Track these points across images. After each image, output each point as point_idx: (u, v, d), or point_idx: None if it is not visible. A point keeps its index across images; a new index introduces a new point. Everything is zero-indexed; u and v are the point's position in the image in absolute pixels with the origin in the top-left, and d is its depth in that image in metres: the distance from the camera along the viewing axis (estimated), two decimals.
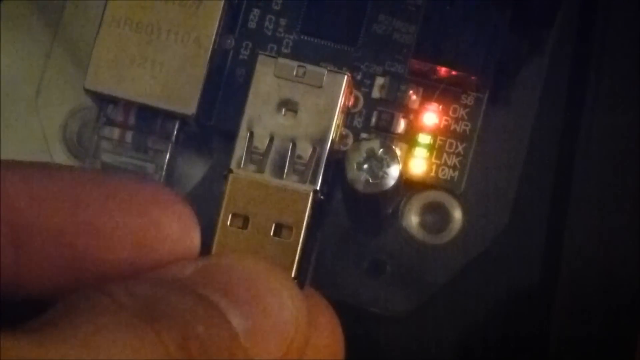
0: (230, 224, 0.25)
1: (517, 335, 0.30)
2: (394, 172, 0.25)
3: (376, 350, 0.30)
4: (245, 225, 0.25)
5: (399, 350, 0.30)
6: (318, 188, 0.25)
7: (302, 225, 0.25)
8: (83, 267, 0.20)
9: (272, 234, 0.25)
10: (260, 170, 0.25)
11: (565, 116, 0.29)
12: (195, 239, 0.21)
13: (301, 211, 0.25)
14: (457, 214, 0.29)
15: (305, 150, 0.25)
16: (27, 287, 0.20)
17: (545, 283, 0.30)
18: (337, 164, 0.26)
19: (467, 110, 0.28)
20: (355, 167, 0.25)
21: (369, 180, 0.25)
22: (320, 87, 0.26)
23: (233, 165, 0.25)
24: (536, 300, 0.30)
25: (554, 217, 0.29)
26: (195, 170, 0.29)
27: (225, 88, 0.28)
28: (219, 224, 0.25)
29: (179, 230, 0.21)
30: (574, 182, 0.29)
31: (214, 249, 0.24)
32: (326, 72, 0.26)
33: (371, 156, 0.25)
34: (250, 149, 0.25)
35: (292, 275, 0.24)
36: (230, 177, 0.25)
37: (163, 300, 0.19)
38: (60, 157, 0.29)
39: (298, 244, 0.24)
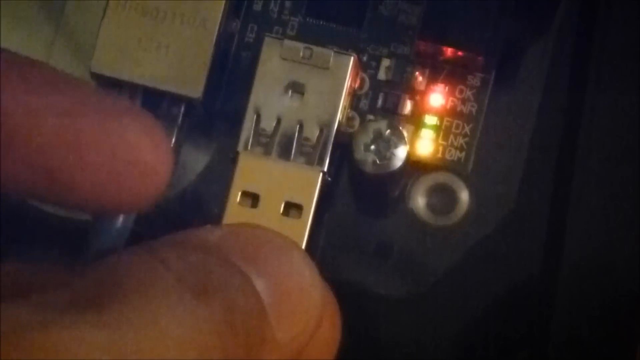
0: (239, 202, 0.25)
1: (520, 319, 0.30)
2: (401, 153, 0.26)
3: (382, 332, 0.30)
4: (254, 204, 0.25)
5: (405, 332, 0.30)
6: (325, 170, 0.25)
7: (312, 204, 0.25)
8: (55, 178, 0.20)
9: (281, 212, 0.25)
10: (268, 152, 0.25)
11: (570, 96, 0.29)
12: (168, 164, 0.21)
13: (310, 191, 0.25)
14: (464, 196, 0.29)
15: (312, 132, 0.25)
16: None
17: (550, 267, 0.30)
18: (343, 146, 0.26)
19: (473, 91, 0.28)
20: (362, 148, 0.25)
21: (376, 161, 0.25)
22: (327, 68, 0.26)
23: (240, 148, 0.26)
24: (541, 283, 0.30)
25: (558, 199, 0.29)
26: (201, 154, 0.29)
27: (231, 71, 0.28)
28: (229, 202, 0.25)
29: (153, 157, 0.20)
30: (578, 163, 0.29)
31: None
32: (333, 53, 0.26)
33: (378, 137, 0.25)
34: (257, 132, 0.25)
35: None
36: (241, 154, 0.25)
37: (208, 269, 0.19)
38: None
39: (307, 223, 0.25)
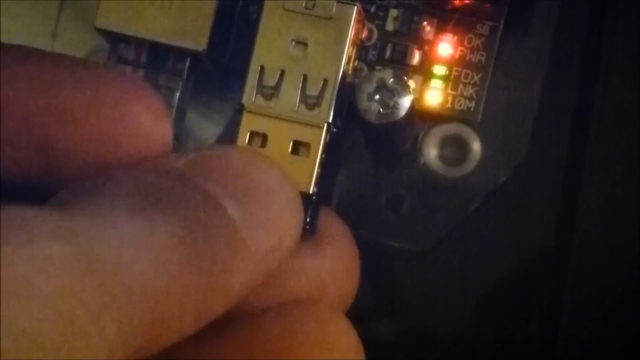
0: (248, 142, 0.25)
1: (534, 272, 0.30)
2: (405, 102, 0.25)
3: (394, 285, 0.30)
4: (263, 144, 0.25)
5: (417, 285, 0.30)
6: (330, 121, 0.25)
7: (319, 144, 0.25)
8: (52, 155, 0.20)
9: (289, 151, 0.25)
10: (272, 104, 0.25)
11: (584, 41, 0.29)
12: (167, 134, 0.21)
13: (316, 140, 0.25)
14: (476, 146, 0.29)
15: (316, 83, 0.25)
16: None
17: (565, 219, 0.29)
18: (351, 97, 0.26)
19: (482, 39, 0.28)
20: (365, 98, 0.25)
21: (380, 110, 0.25)
22: (330, 18, 0.26)
23: (245, 100, 0.25)
24: (556, 234, 0.30)
25: (572, 143, 0.29)
26: (210, 108, 0.29)
27: (238, 25, 0.28)
28: (238, 142, 0.25)
29: (151, 124, 0.20)
30: (594, 109, 0.29)
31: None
32: (335, 3, 0.26)
33: (382, 86, 0.25)
34: (262, 84, 0.25)
35: (310, 191, 0.25)
36: (247, 102, 0.25)
37: (165, 187, 0.19)
38: None
39: (316, 161, 0.25)
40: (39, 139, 0.20)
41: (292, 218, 0.21)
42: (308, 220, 0.25)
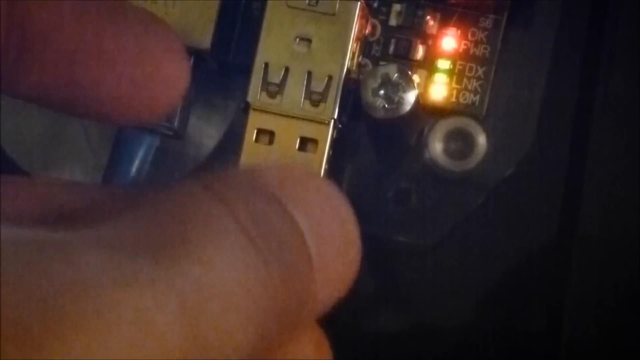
0: (255, 139, 0.25)
1: (537, 268, 0.30)
2: (410, 97, 0.25)
3: (400, 278, 0.30)
4: (270, 141, 0.25)
5: (423, 278, 0.30)
6: (335, 117, 0.25)
7: (326, 139, 0.25)
8: (80, 84, 0.20)
9: (297, 148, 0.25)
10: (277, 101, 0.25)
11: (587, 34, 0.29)
12: (185, 79, 0.21)
13: (323, 136, 0.25)
14: (481, 139, 0.29)
15: (321, 79, 0.25)
16: (24, 88, 0.20)
17: (570, 210, 0.29)
18: (356, 93, 0.26)
19: (485, 33, 0.28)
20: (370, 93, 0.25)
21: (385, 105, 0.25)
22: (334, 14, 0.26)
23: (250, 98, 0.26)
24: (560, 227, 0.30)
25: (577, 137, 0.29)
26: (214, 105, 0.29)
27: (242, 23, 0.28)
28: (245, 140, 0.25)
29: (175, 72, 0.21)
30: (597, 103, 0.29)
31: (240, 164, 0.25)
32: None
33: (387, 82, 0.25)
34: (267, 81, 0.25)
35: None
36: (252, 100, 0.25)
37: (271, 223, 0.17)
38: None
39: (323, 156, 0.25)
40: (71, 70, 0.20)
41: (356, 266, 0.20)
42: None
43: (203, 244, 0.16)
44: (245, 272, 0.16)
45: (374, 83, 0.25)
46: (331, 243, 0.19)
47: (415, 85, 0.25)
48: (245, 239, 0.17)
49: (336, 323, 0.22)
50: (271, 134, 0.25)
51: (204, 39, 0.26)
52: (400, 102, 0.25)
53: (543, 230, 0.29)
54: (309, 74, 0.25)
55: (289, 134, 0.25)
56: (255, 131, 0.25)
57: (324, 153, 0.25)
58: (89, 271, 0.15)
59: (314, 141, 0.25)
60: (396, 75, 0.25)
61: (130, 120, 0.22)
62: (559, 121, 0.29)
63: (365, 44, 0.28)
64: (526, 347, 0.30)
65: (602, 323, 0.28)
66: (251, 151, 0.25)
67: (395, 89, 0.25)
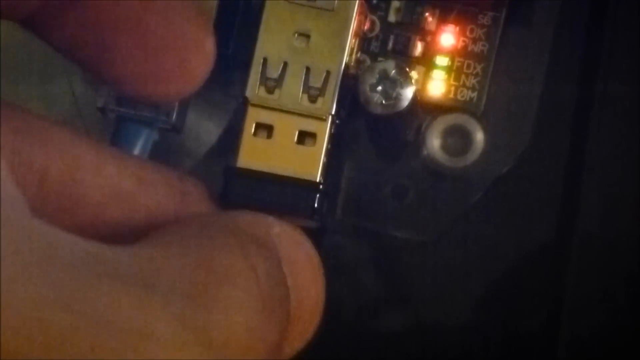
0: (254, 133, 0.25)
1: (535, 266, 0.30)
2: (407, 93, 0.25)
3: (398, 274, 0.30)
4: (269, 135, 0.25)
5: (421, 275, 0.30)
6: (333, 112, 0.25)
7: (325, 133, 0.25)
8: (107, 52, 0.21)
9: (295, 141, 0.25)
10: (276, 96, 0.25)
11: (586, 32, 0.29)
12: (211, 56, 0.23)
13: (322, 130, 0.25)
14: (479, 136, 0.29)
15: (319, 74, 0.25)
16: (57, 38, 0.21)
17: (568, 209, 0.30)
18: (354, 88, 0.26)
19: (484, 30, 0.28)
20: (368, 89, 0.25)
21: (382, 101, 0.25)
22: (332, 10, 0.26)
23: (248, 93, 0.26)
24: (558, 225, 0.30)
25: (575, 135, 0.29)
26: (213, 100, 0.29)
27: (242, 18, 0.28)
28: (244, 134, 0.25)
29: (203, 43, 0.22)
30: (596, 100, 0.29)
31: (239, 159, 0.25)
32: None
33: (384, 77, 0.25)
34: (265, 76, 0.26)
35: (317, 180, 0.25)
36: (251, 94, 0.25)
37: (278, 281, 0.20)
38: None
39: (322, 149, 0.25)
40: (100, 33, 0.21)
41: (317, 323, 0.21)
42: (316, 207, 0.25)
43: (227, 294, 0.18)
44: (253, 325, 0.19)
45: (371, 79, 0.25)
46: (305, 302, 0.21)
47: (413, 81, 0.25)
48: (259, 294, 0.19)
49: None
50: (270, 128, 0.25)
51: None
52: (397, 98, 0.25)
53: (540, 230, 0.29)
54: (308, 69, 0.25)
55: (287, 128, 0.25)
56: (254, 125, 0.25)
57: (322, 146, 0.25)
58: (122, 313, 0.16)
59: (313, 135, 0.25)
60: (394, 71, 0.25)
61: (153, 95, 0.22)
62: (557, 119, 0.29)
63: (364, 40, 0.28)
64: (524, 346, 0.30)
65: (601, 321, 0.28)
66: (250, 145, 0.25)
67: (392, 85, 0.25)
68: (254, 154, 0.25)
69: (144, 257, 0.18)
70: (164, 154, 0.28)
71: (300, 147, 0.25)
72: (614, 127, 0.28)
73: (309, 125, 0.25)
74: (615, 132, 0.28)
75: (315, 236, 0.28)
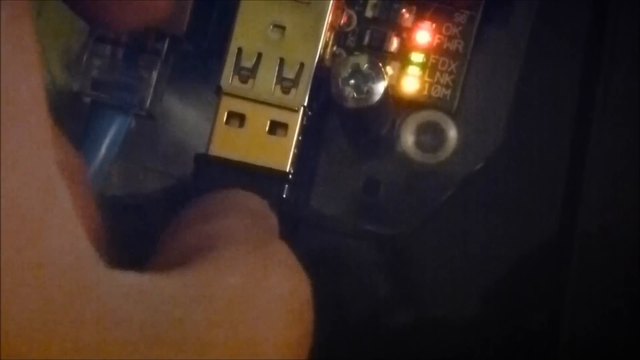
0: (226, 122, 0.25)
1: (537, 263, 0.30)
2: (379, 88, 0.26)
3: (370, 270, 0.31)
4: (241, 124, 0.25)
5: (393, 270, 0.30)
6: (305, 104, 0.26)
7: (296, 124, 0.25)
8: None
9: (267, 131, 0.25)
10: (250, 86, 0.26)
11: (563, 31, 0.29)
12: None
13: (293, 121, 0.25)
14: (452, 133, 0.29)
15: (293, 66, 0.26)
16: None
17: (542, 207, 0.30)
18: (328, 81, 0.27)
19: (460, 28, 0.28)
20: (340, 83, 0.26)
21: (353, 95, 0.26)
22: (308, 3, 0.26)
23: (222, 82, 0.26)
24: (558, 223, 0.30)
25: (548, 132, 0.29)
26: (189, 89, 0.29)
27: (219, 8, 0.29)
28: (216, 122, 0.25)
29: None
30: (569, 97, 0.29)
31: (211, 147, 0.25)
32: None
33: (357, 71, 0.26)
34: (239, 66, 0.26)
35: (287, 170, 0.25)
36: (224, 83, 0.25)
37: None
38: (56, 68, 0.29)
39: (293, 140, 0.25)
40: None
41: None
42: (285, 197, 0.25)
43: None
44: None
45: (344, 72, 0.26)
46: None
47: (386, 76, 0.26)
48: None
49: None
50: (242, 117, 0.26)
51: (180, 24, 0.26)
52: (369, 93, 0.26)
53: (541, 228, 0.29)
54: (282, 60, 0.26)
55: (259, 117, 0.25)
56: (226, 114, 0.26)
57: (293, 137, 0.26)
58: None
59: (284, 125, 0.26)
60: (366, 65, 0.26)
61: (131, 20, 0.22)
62: (531, 119, 0.30)
63: (340, 33, 0.28)
64: (525, 345, 0.30)
65: (602, 320, 0.28)
66: (222, 134, 0.26)
67: (365, 79, 0.26)
68: (225, 143, 0.25)
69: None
70: (138, 140, 0.28)
71: (272, 137, 0.25)
72: (616, 126, 0.29)
73: (281, 115, 0.25)
74: (616, 131, 0.28)
75: (290, 227, 0.28)
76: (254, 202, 0.23)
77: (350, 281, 0.31)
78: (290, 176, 0.25)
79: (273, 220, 0.23)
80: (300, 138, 0.25)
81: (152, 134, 0.29)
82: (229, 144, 0.25)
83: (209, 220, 0.22)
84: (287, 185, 0.25)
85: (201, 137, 0.27)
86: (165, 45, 0.27)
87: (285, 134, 0.25)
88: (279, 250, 0.21)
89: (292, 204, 0.25)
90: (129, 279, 0.18)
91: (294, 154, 0.25)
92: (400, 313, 0.31)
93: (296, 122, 0.25)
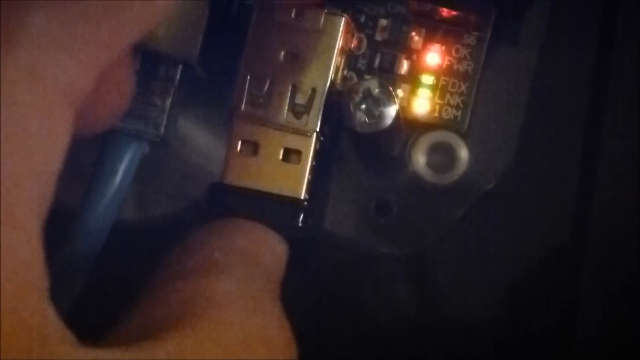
0: (240, 150, 0.25)
1: (551, 266, 0.30)
2: (391, 111, 0.26)
3: (383, 290, 0.31)
4: (255, 152, 0.25)
5: (405, 290, 0.31)
6: (318, 129, 0.26)
7: (310, 151, 0.25)
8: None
9: (280, 158, 0.25)
10: (261, 112, 0.26)
11: (569, 51, 0.30)
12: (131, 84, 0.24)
13: (306, 147, 0.26)
14: (464, 153, 0.29)
15: (305, 92, 0.26)
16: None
17: (553, 222, 0.30)
18: (340, 105, 0.27)
19: (469, 50, 0.29)
20: (352, 107, 0.26)
21: (365, 119, 0.26)
22: (319, 30, 0.26)
23: (234, 108, 0.26)
24: (548, 240, 0.30)
25: (558, 152, 0.30)
26: (202, 114, 0.29)
27: (231, 33, 0.29)
28: (230, 151, 0.25)
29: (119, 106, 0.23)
30: (577, 119, 0.29)
31: (225, 175, 0.25)
32: (324, 14, 0.26)
33: (368, 96, 0.26)
34: (251, 92, 0.26)
35: (302, 197, 0.25)
36: (236, 111, 0.25)
37: None
38: None
39: (307, 167, 0.25)
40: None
41: None
42: (301, 225, 0.25)
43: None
44: None
45: (355, 97, 0.26)
46: None
47: (397, 100, 0.26)
48: None
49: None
50: (255, 145, 0.26)
51: (192, 49, 0.27)
52: (380, 117, 0.26)
53: (555, 231, 0.30)
54: (294, 86, 0.26)
55: (272, 145, 0.26)
56: (240, 142, 0.26)
57: (307, 164, 0.26)
58: None
59: (298, 152, 0.26)
60: (377, 90, 0.26)
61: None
62: (541, 139, 0.30)
63: (350, 57, 0.28)
64: (541, 344, 0.30)
65: (616, 320, 0.29)
66: (236, 162, 0.26)
67: (376, 103, 0.26)
68: (239, 171, 0.25)
69: None
70: (152, 165, 0.28)
71: (286, 164, 0.26)
72: (627, 132, 0.29)
73: (294, 142, 0.26)
74: (628, 138, 0.29)
75: (306, 248, 0.28)
76: (256, 247, 0.23)
77: (367, 297, 0.31)
78: (305, 203, 0.25)
79: (276, 262, 0.23)
80: (313, 164, 0.26)
81: (166, 159, 0.29)
82: (243, 173, 0.25)
83: (197, 275, 0.22)
84: (303, 213, 0.25)
85: (215, 162, 0.27)
86: (178, 72, 0.27)
87: (299, 161, 0.26)
88: (268, 320, 0.21)
89: (307, 229, 0.26)
90: (100, 356, 0.18)
91: (308, 180, 0.25)
92: (419, 322, 0.31)
93: (309, 148, 0.25)
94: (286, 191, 0.25)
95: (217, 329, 0.20)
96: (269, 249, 0.24)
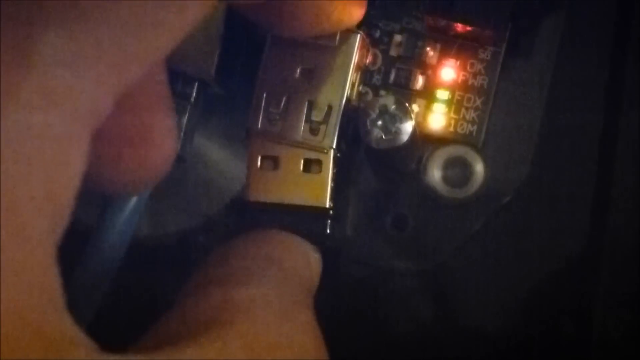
0: (260, 166, 0.26)
1: (567, 272, 0.30)
2: (407, 128, 0.26)
3: (398, 304, 0.31)
4: (275, 166, 0.26)
5: (421, 304, 0.31)
6: (334, 146, 0.26)
7: (330, 161, 0.25)
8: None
9: (301, 169, 0.25)
10: (278, 129, 0.26)
11: (585, 65, 0.30)
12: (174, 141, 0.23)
13: (326, 158, 0.26)
14: (479, 167, 0.29)
15: (321, 108, 0.26)
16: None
17: (569, 237, 0.30)
18: (356, 120, 0.27)
19: (484, 64, 0.29)
20: (368, 124, 0.26)
21: (382, 136, 0.26)
22: (334, 46, 0.26)
23: (251, 125, 0.26)
24: (562, 254, 0.30)
25: (572, 166, 0.30)
26: (218, 131, 0.29)
27: (247, 51, 0.29)
28: (251, 168, 0.25)
29: (160, 166, 0.22)
30: (591, 133, 0.29)
31: (249, 193, 0.25)
32: (339, 31, 0.26)
33: (384, 112, 0.26)
34: (268, 109, 0.26)
35: (327, 205, 0.25)
36: (252, 127, 0.26)
37: None
38: None
39: (329, 174, 0.25)
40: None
41: None
42: (329, 233, 0.25)
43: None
44: None
45: (372, 114, 0.26)
46: None
47: (413, 116, 0.26)
48: None
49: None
50: (275, 159, 0.26)
51: (208, 67, 0.27)
52: (397, 133, 0.26)
53: (571, 238, 0.30)
54: (310, 103, 0.26)
55: (292, 157, 0.26)
56: (260, 158, 0.26)
57: (329, 171, 0.26)
58: None
59: (318, 162, 0.26)
60: (393, 106, 0.26)
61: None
62: (555, 153, 0.30)
63: (366, 72, 0.28)
64: (558, 350, 0.30)
65: (632, 333, 0.29)
66: (258, 178, 0.26)
67: (392, 119, 0.26)
68: (262, 187, 0.26)
69: None
70: (169, 183, 0.28)
71: (307, 175, 0.26)
72: (631, 155, 0.29)
73: (313, 153, 0.26)
74: (634, 160, 0.29)
75: (332, 256, 0.28)
76: (290, 255, 0.23)
77: (385, 311, 0.31)
78: (331, 211, 0.25)
79: (310, 271, 0.23)
80: (335, 171, 0.26)
81: (183, 176, 0.29)
82: (266, 188, 0.25)
83: (227, 283, 0.21)
84: (329, 221, 0.25)
85: (231, 179, 0.28)
86: (195, 90, 0.27)
87: (320, 170, 0.26)
88: (298, 327, 0.21)
89: (334, 238, 0.26)
90: None
91: (331, 188, 0.26)
92: (437, 335, 0.31)
93: (329, 159, 0.26)
94: (311, 201, 0.25)
95: (244, 334, 0.20)
96: (304, 258, 0.24)
